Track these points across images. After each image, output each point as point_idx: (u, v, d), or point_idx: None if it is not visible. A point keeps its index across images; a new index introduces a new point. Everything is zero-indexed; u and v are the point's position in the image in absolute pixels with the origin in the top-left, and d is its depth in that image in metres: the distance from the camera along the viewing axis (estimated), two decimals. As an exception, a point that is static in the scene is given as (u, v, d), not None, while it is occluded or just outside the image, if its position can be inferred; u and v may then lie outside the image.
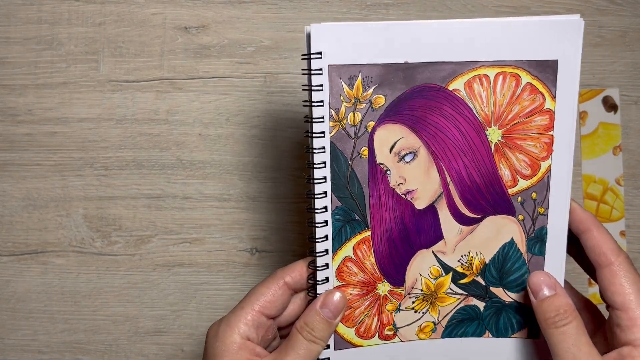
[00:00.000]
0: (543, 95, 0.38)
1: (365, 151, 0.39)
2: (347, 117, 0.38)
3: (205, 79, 0.56)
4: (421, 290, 0.41)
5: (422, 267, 0.41)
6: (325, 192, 0.39)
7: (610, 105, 0.57)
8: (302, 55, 0.38)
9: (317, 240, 0.39)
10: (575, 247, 0.41)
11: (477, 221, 0.40)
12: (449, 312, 0.42)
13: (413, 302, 0.41)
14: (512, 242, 0.40)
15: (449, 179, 0.40)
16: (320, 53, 0.37)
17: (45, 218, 0.56)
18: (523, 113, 0.39)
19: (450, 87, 0.38)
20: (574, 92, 0.38)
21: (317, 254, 0.40)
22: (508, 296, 0.41)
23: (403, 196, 0.40)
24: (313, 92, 0.37)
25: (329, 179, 0.39)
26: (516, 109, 0.39)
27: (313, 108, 0.38)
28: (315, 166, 0.38)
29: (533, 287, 0.39)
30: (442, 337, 0.42)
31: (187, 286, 0.57)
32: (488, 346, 0.42)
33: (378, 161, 0.39)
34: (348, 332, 0.41)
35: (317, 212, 0.39)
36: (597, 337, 0.40)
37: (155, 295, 0.56)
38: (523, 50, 0.37)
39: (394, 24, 0.37)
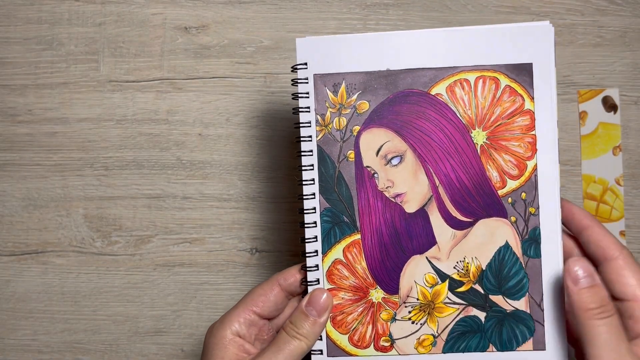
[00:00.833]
0: (522, 96, 0.40)
1: (351, 154, 0.41)
2: (332, 122, 0.41)
3: (205, 79, 0.56)
4: (417, 299, 0.41)
5: (416, 274, 0.41)
6: (314, 194, 0.41)
7: (610, 105, 0.57)
8: (291, 67, 0.41)
9: (306, 240, 0.41)
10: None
11: (469, 225, 0.40)
12: (449, 324, 0.41)
13: (410, 312, 0.41)
14: (507, 246, 0.40)
15: (437, 182, 0.40)
16: (305, 64, 0.41)
17: (45, 218, 0.56)
18: (505, 114, 0.40)
19: (433, 92, 0.40)
20: (551, 93, 0.40)
21: (307, 255, 0.41)
22: (509, 304, 0.40)
23: (392, 199, 0.40)
24: (300, 99, 0.41)
25: (317, 180, 0.41)
26: (498, 111, 0.40)
27: (300, 114, 0.41)
28: (303, 168, 0.41)
29: (573, 274, 0.37)
30: (444, 352, 0.41)
31: (187, 286, 0.57)
32: None
33: (365, 164, 0.41)
34: (341, 339, 0.41)
35: (306, 213, 0.41)
36: None
37: (155, 295, 0.56)
38: (500, 55, 0.40)
39: (374, 35, 0.40)
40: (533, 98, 0.40)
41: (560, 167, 0.46)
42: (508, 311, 0.40)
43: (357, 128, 0.41)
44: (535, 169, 0.40)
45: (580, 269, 0.37)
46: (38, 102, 0.56)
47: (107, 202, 0.56)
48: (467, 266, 0.40)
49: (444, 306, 0.41)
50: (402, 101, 0.40)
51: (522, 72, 0.40)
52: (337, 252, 0.41)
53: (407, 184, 0.40)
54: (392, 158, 0.40)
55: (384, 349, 0.41)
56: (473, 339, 0.41)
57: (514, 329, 0.40)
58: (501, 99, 0.40)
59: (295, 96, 0.41)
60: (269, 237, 0.57)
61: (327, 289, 0.41)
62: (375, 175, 0.40)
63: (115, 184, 0.56)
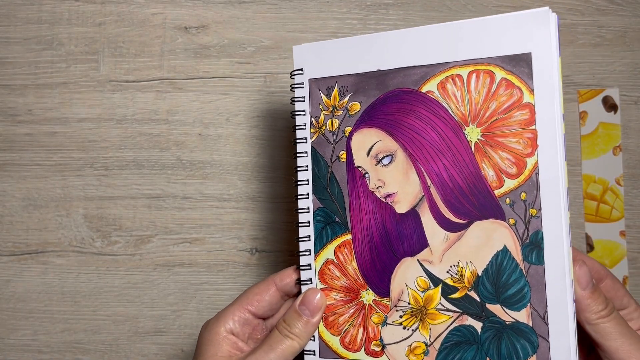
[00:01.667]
0: (520, 89, 0.37)
1: (343, 155, 0.41)
2: (325, 123, 0.42)
3: (205, 79, 0.56)
4: (409, 303, 0.39)
5: (407, 277, 0.39)
6: (308, 194, 0.42)
7: (610, 105, 0.57)
8: (290, 73, 0.44)
9: (300, 239, 0.42)
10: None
11: (463, 227, 0.38)
12: (442, 333, 0.38)
13: (401, 317, 0.39)
14: (505, 250, 0.37)
15: (429, 182, 0.39)
16: (301, 69, 0.42)
17: (45, 218, 0.56)
18: (501, 109, 0.38)
19: (424, 90, 0.39)
20: (553, 84, 0.37)
21: (300, 253, 0.42)
22: (508, 315, 0.37)
23: (383, 200, 0.40)
24: (296, 103, 0.43)
25: (310, 181, 0.42)
26: (493, 106, 0.38)
27: (296, 117, 0.42)
28: (298, 169, 0.42)
29: (582, 280, 0.36)
30: None
31: (187, 286, 0.57)
32: None
33: (356, 164, 0.41)
34: (333, 340, 0.41)
35: (299, 212, 0.42)
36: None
37: (155, 295, 0.56)
38: (494, 47, 0.38)
39: (365, 37, 0.41)
40: (532, 90, 0.37)
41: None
42: (507, 323, 0.37)
43: (349, 129, 0.41)
44: (536, 166, 0.37)
45: (583, 273, 0.37)
46: (38, 102, 0.56)
47: (107, 202, 0.56)
48: (461, 271, 0.38)
49: (437, 313, 0.38)
50: (393, 100, 0.40)
51: (520, 64, 0.37)
52: (328, 252, 0.41)
53: (398, 183, 0.39)
54: (382, 158, 0.40)
55: (374, 354, 0.40)
56: (469, 351, 0.38)
57: (514, 343, 0.37)
58: (496, 93, 0.38)
59: (293, 101, 0.43)
60: (268, 237, 0.57)
61: (320, 288, 0.41)
62: (367, 175, 0.40)
63: (115, 184, 0.56)
